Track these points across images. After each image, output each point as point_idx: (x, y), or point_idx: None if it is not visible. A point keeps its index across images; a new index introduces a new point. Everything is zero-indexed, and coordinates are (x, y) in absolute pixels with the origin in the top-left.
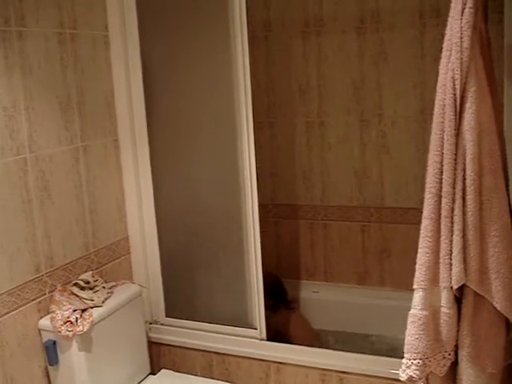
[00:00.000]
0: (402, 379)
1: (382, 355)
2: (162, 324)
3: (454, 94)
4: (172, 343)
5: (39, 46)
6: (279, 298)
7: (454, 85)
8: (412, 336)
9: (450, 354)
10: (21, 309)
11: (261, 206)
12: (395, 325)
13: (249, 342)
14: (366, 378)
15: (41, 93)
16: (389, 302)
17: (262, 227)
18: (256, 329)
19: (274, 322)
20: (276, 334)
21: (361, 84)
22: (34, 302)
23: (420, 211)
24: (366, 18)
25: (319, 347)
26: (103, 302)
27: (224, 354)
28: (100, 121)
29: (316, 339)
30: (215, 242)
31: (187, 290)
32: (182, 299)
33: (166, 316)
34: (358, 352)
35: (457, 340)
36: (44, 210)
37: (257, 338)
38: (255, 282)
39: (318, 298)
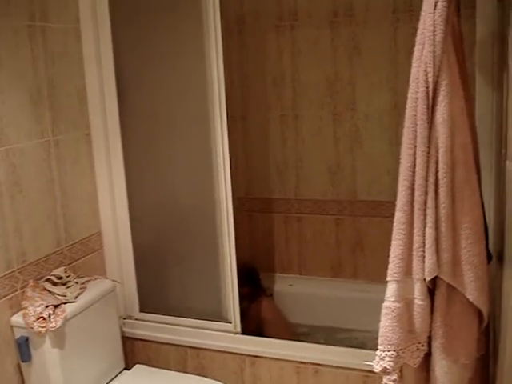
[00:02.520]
0: (375, 371)
1: (357, 347)
2: (136, 319)
3: (427, 88)
4: (146, 338)
5: (9, 39)
6: (256, 286)
7: (426, 78)
8: (386, 328)
9: (423, 346)
10: None
11: (235, 200)
12: (369, 317)
13: (223, 336)
14: (341, 370)
15: (11, 86)
16: (363, 294)
17: (235, 221)
18: (230, 322)
19: (255, 310)
20: (256, 320)
21: (334, 78)
22: (6, 298)
23: (393, 204)
24: (339, 12)
25: (294, 340)
26: (76, 297)
27: (198, 348)
28: (72, 114)
29: (289, 328)
30: (189, 237)
31: (161, 284)
32: (156, 294)
33: (140, 311)
34: (332, 344)
35: (430, 331)
36: (15, 204)
37: (231, 332)
38: (229, 275)
39: (293, 292)
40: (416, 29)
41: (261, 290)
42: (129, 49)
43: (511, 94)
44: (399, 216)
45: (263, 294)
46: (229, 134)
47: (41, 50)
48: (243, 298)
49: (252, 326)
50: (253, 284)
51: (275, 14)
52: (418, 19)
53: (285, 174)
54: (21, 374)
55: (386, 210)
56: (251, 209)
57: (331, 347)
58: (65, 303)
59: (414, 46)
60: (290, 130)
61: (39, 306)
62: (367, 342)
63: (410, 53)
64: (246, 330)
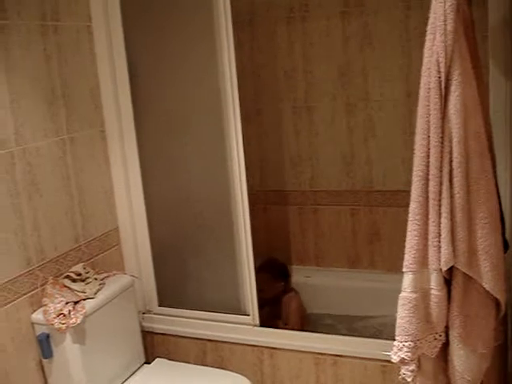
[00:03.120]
0: (393, 361)
1: (375, 337)
2: (155, 313)
3: (439, 77)
4: (165, 332)
5: (22, 39)
6: (287, 280)
7: (438, 68)
8: (403, 319)
9: (440, 336)
10: (13, 303)
11: (250, 193)
12: (387, 307)
13: (242, 329)
14: (360, 360)
15: (25, 86)
16: (380, 284)
17: (251, 214)
18: (249, 315)
19: (286, 304)
20: (286, 314)
21: (346, 68)
22: (26, 295)
23: (408, 193)
24: (350, 2)
25: (312, 331)
26: (95, 293)
27: (217, 341)
28: (86, 112)
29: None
30: (206, 230)
31: (179, 278)
32: (174, 288)
33: (159, 305)
34: (350, 335)
35: (447, 321)
36: (32, 203)
37: (250, 324)
38: (247, 268)
39: (311, 283)
40: (427, 17)
41: (289, 284)
42: (141, 45)
43: None
44: (414, 207)
45: (293, 289)
46: (242, 127)
47: (54, 49)
48: (277, 293)
49: (283, 320)
50: (285, 279)
51: (286, 6)
52: (429, 6)
53: (299, 165)
54: (42, 370)
55: (401, 199)
56: (267, 201)
57: (349, 338)
58: (84, 299)
59: (425, 33)
60: (303, 121)
61: (59, 302)
62: (386, 332)
63: (422, 40)
64: (274, 325)
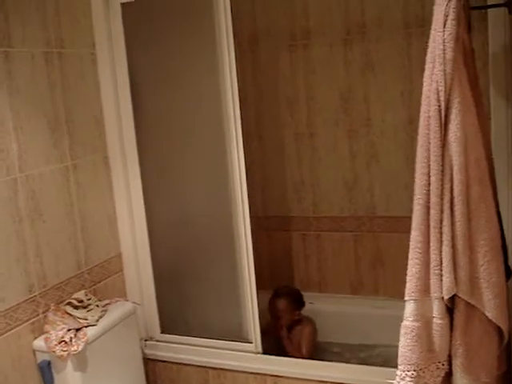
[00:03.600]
0: None
1: (379, 365)
2: (157, 340)
3: (439, 106)
4: (168, 359)
5: (26, 66)
6: (302, 307)
7: (438, 96)
8: (405, 348)
9: (443, 365)
10: (14, 330)
11: (252, 219)
12: (391, 334)
13: (244, 356)
14: None
15: (29, 112)
16: (384, 311)
17: (254, 240)
18: (251, 342)
19: (301, 331)
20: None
21: (348, 95)
22: (28, 322)
23: (411, 219)
24: (352, 30)
25: (315, 359)
26: (97, 320)
27: (220, 368)
28: (89, 138)
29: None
30: (208, 256)
31: (182, 305)
32: (176, 315)
33: (161, 332)
34: (354, 363)
35: (450, 350)
36: (35, 229)
37: (252, 352)
38: (249, 295)
39: (314, 309)
40: (428, 44)
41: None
42: (143, 69)
43: None
44: (415, 235)
45: (307, 317)
46: (245, 153)
47: (57, 76)
48: (294, 320)
49: (296, 347)
50: (301, 307)
51: (288, 33)
52: (429, 34)
53: (302, 191)
54: None
55: (404, 225)
56: (269, 227)
57: (353, 365)
58: (86, 326)
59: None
60: (305, 147)
61: (61, 329)
62: (389, 359)
63: (424, 68)
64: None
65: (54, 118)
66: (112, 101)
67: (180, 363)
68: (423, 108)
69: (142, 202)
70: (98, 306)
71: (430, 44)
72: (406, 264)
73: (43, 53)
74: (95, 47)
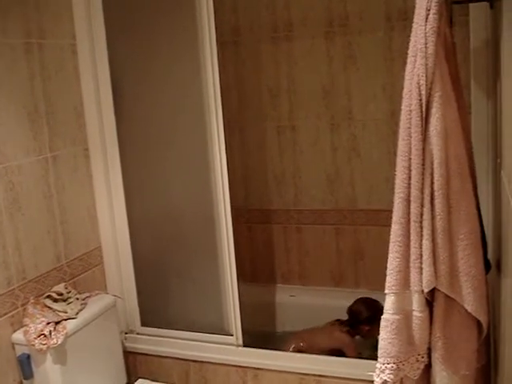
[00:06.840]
0: (376, 383)
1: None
2: (138, 333)
3: (420, 100)
4: (148, 352)
5: (5, 56)
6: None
7: (419, 90)
8: (385, 340)
9: (423, 357)
10: None
11: (234, 211)
12: None
13: (225, 349)
14: (344, 380)
15: (8, 103)
16: None
17: (235, 232)
18: (232, 335)
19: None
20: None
21: (330, 88)
22: (7, 315)
23: (392, 213)
24: (334, 22)
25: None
26: (77, 313)
27: (201, 361)
28: (69, 130)
29: None
30: (189, 249)
31: (162, 298)
32: (157, 308)
33: (142, 325)
34: (334, 355)
35: (430, 343)
36: (14, 221)
37: (233, 345)
38: (230, 287)
39: (296, 302)
40: (410, 37)
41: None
42: (125, 62)
43: (505, 102)
44: (396, 228)
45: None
46: (226, 145)
47: (37, 67)
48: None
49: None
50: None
51: (270, 25)
52: (412, 28)
53: (283, 184)
54: None
55: (385, 218)
56: (250, 220)
57: (333, 358)
58: (66, 319)
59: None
60: (287, 140)
61: (40, 323)
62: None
63: (406, 61)
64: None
65: (33, 110)
66: (92, 93)
67: (161, 356)
68: (405, 102)
69: (122, 194)
70: (77, 298)
71: (412, 38)
72: (387, 257)
73: (23, 43)
74: (76, 38)
